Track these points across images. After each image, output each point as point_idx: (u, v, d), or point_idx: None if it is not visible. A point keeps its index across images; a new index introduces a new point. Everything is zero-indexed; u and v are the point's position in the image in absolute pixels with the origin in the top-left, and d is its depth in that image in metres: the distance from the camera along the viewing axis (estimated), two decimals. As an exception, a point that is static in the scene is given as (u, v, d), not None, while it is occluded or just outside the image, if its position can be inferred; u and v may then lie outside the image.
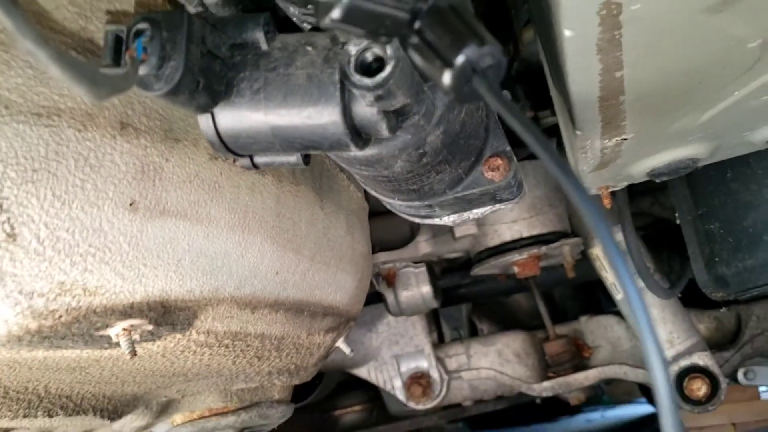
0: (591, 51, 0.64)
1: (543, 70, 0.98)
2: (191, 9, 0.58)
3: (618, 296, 1.68)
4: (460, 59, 0.38)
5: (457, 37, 0.38)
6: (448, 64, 0.38)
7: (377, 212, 1.33)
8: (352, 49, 0.49)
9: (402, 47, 0.44)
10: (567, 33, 0.61)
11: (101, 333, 0.71)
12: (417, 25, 0.40)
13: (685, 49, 0.69)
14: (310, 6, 0.53)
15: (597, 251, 1.68)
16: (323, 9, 0.38)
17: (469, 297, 2.08)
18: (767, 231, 1.20)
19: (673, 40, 0.66)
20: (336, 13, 0.38)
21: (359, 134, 0.55)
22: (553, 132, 1.54)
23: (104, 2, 0.67)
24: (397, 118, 0.56)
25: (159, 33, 0.47)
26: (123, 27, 0.48)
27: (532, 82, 1.44)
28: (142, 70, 0.47)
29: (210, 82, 0.51)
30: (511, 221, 1.54)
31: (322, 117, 0.52)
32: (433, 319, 2.02)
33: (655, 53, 0.68)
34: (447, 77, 0.38)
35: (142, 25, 0.48)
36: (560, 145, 1.45)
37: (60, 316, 0.66)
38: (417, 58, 0.41)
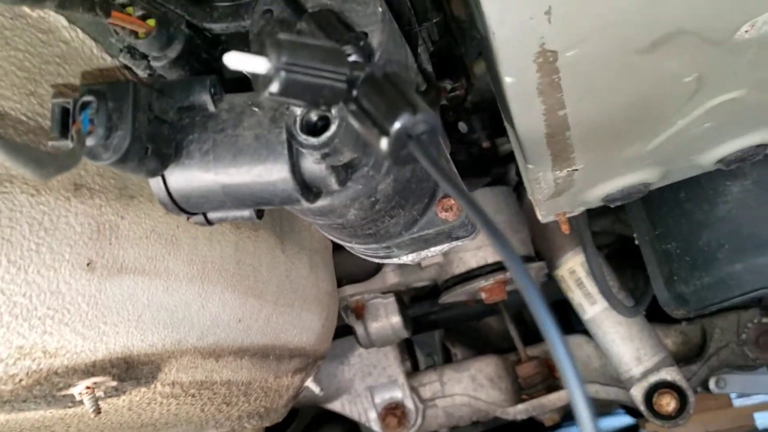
0: (532, 94, 0.66)
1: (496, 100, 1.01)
2: (140, 72, 0.59)
3: (585, 316, 1.71)
4: (395, 127, 0.39)
5: (391, 105, 0.40)
6: (384, 132, 0.40)
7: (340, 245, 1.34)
8: (297, 109, 0.50)
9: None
10: (507, 79, 0.63)
11: (64, 393, 0.71)
12: (354, 93, 0.42)
13: (624, 87, 0.71)
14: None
15: (562, 272, 1.70)
16: (263, 83, 0.40)
17: (440, 323, 2.09)
18: (721, 249, 1.23)
19: (611, 79, 0.69)
20: (274, 87, 0.39)
21: (309, 189, 0.56)
22: (512, 157, 1.57)
23: (53, 65, 0.67)
24: (346, 171, 0.57)
25: (105, 104, 0.48)
26: (69, 100, 0.49)
27: (488, 112, 1.47)
28: (90, 142, 0.47)
29: (159, 146, 0.51)
30: (475, 248, 1.56)
31: (271, 175, 0.53)
32: (406, 347, 2.03)
33: (595, 92, 0.70)
34: (384, 144, 0.40)
35: (87, 98, 0.48)
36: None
37: (20, 380, 0.65)
38: (356, 123, 0.43)
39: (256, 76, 0.40)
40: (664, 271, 1.32)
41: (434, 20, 0.75)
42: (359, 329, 1.71)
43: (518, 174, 1.67)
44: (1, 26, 0.63)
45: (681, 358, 1.79)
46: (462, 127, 1.35)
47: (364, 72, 0.42)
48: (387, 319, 1.71)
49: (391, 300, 1.71)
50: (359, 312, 1.71)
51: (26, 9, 0.65)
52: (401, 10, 0.69)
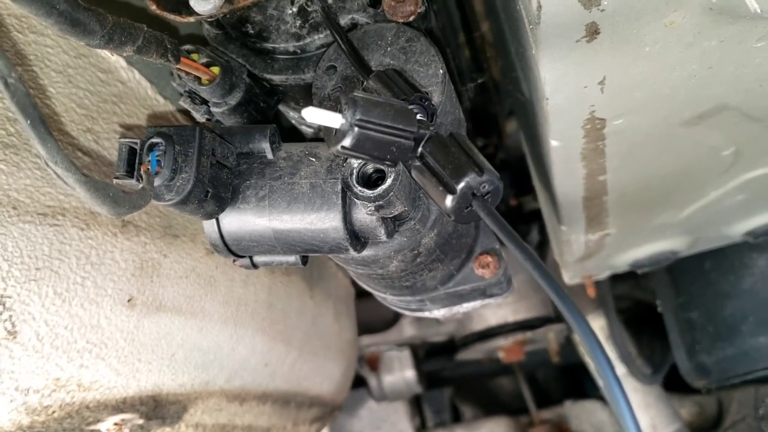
0: (576, 159, 0.67)
1: (525, 159, 1.02)
2: (199, 118, 0.61)
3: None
4: (461, 186, 0.41)
5: (458, 165, 0.41)
6: (450, 190, 0.41)
7: (361, 294, 1.34)
8: (355, 161, 0.52)
9: (404, 164, 0.47)
10: (554, 143, 0.64)
11: (92, 428, 0.71)
12: (419, 150, 0.43)
13: (665, 157, 0.73)
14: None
15: (580, 335, 1.69)
16: (336, 137, 0.41)
17: (453, 380, 2.07)
18: (745, 320, 1.22)
19: (653, 149, 0.70)
20: (347, 142, 0.41)
21: (358, 238, 0.57)
22: (536, 216, 1.58)
23: (109, 104, 0.69)
24: (394, 223, 0.58)
25: (172, 147, 0.50)
26: (137, 140, 0.51)
27: (516, 169, 1.49)
28: (156, 182, 0.49)
29: (218, 190, 0.53)
30: (496, 306, 1.55)
31: (324, 223, 0.54)
32: (415, 402, 2.01)
33: (636, 160, 0.71)
34: (449, 201, 0.41)
35: (156, 139, 0.50)
36: (543, 231, 1.49)
37: (53, 412, 0.65)
38: (419, 179, 0.44)
39: (329, 130, 0.42)
40: (687, 340, 1.31)
41: (480, 81, 0.76)
42: (372, 381, 1.70)
43: (541, 233, 1.67)
44: (66, 65, 0.66)
45: (696, 430, 1.76)
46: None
47: (429, 130, 0.44)
48: (401, 373, 1.69)
49: (407, 353, 1.70)
50: (373, 363, 1.70)
51: (90, 48, 0.68)
52: (450, 71, 0.71)
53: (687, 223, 0.97)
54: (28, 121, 0.36)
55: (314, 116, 0.40)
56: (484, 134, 1.21)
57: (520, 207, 1.55)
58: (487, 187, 0.41)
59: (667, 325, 1.36)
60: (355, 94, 0.41)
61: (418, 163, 0.44)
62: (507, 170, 1.41)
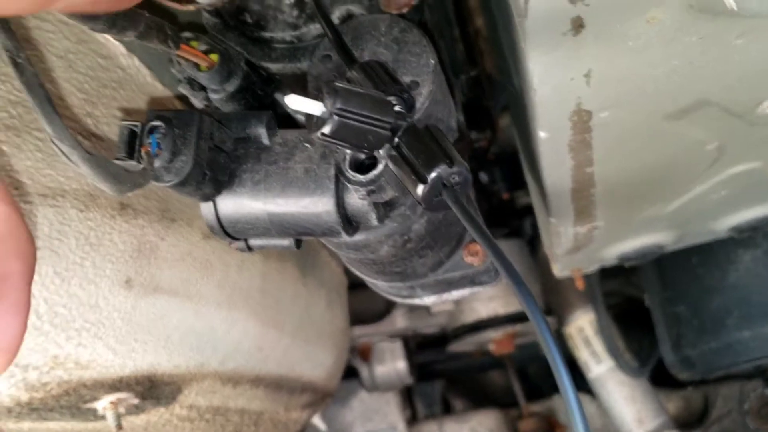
0: (563, 150, 0.69)
1: (518, 153, 1.05)
2: (197, 104, 0.62)
3: (590, 374, 1.71)
4: (432, 176, 0.43)
5: (430, 155, 0.44)
6: (422, 179, 0.43)
7: (353, 285, 1.37)
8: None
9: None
10: (542, 134, 0.66)
11: (88, 406, 0.73)
12: (396, 140, 0.46)
13: (650, 150, 0.75)
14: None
15: (570, 330, 1.72)
16: (316, 124, 0.43)
17: (444, 373, 2.09)
18: (730, 315, 1.25)
19: (639, 142, 0.72)
20: (327, 129, 0.43)
21: (350, 222, 0.59)
22: (529, 211, 1.60)
23: (109, 90, 0.71)
24: (385, 208, 0.60)
25: (171, 130, 0.52)
26: (137, 123, 0.52)
27: (508, 164, 1.51)
28: (156, 164, 0.51)
29: (215, 173, 0.55)
30: (487, 298, 1.58)
31: (317, 207, 0.56)
32: (407, 395, 2.03)
33: (622, 153, 0.74)
34: (420, 190, 0.44)
35: (156, 122, 0.52)
36: (535, 225, 1.51)
37: (51, 389, 0.67)
38: (394, 168, 0.46)
39: (310, 116, 0.44)
40: (673, 334, 1.33)
41: (472, 74, 0.78)
42: (364, 372, 1.72)
43: (533, 228, 1.70)
44: (66, 50, 0.67)
45: (682, 424, 1.78)
46: (483, 177, 1.39)
47: (406, 122, 0.46)
48: (393, 364, 1.72)
49: (398, 345, 1.72)
50: (365, 354, 1.72)
51: (90, 35, 0.69)
52: (442, 63, 0.73)
53: (673, 218, 0.99)
54: (36, 100, 0.38)
55: (296, 103, 0.42)
56: (477, 128, 1.23)
57: (512, 202, 1.57)
58: (456, 178, 0.44)
59: (654, 318, 1.39)
60: (336, 84, 0.43)
61: (393, 153, 0.46)
62: (500, 165, 1.44)
